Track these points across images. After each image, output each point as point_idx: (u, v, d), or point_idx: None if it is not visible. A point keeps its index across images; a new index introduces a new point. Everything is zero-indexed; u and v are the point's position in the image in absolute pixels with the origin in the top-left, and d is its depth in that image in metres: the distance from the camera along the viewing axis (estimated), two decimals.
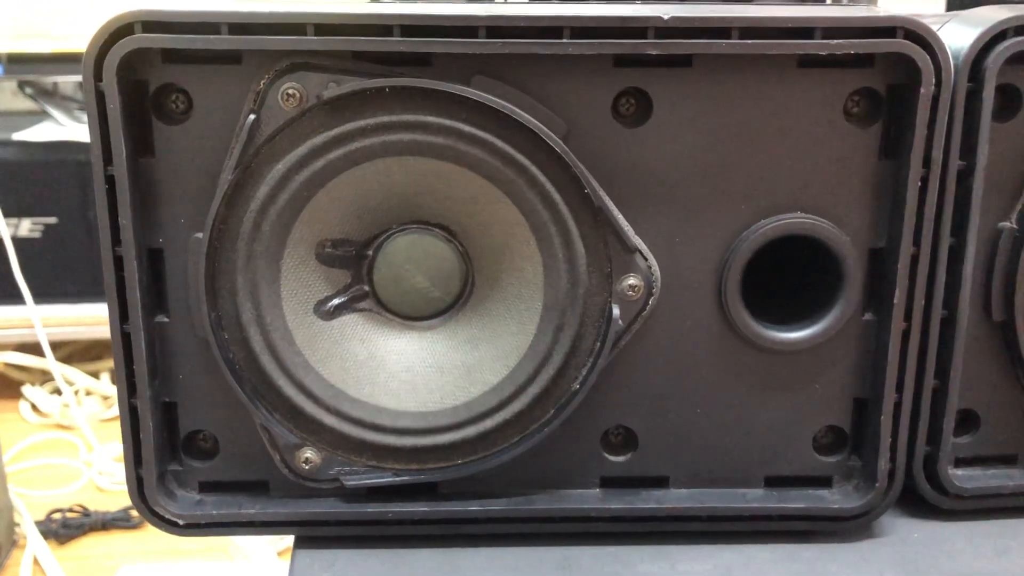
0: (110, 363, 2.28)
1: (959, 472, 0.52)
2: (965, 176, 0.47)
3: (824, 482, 0.50)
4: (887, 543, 0.50)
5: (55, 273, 2.10)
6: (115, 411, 2.12)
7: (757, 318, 0.48)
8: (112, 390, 2.18)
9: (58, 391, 2.08)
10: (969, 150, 0.46)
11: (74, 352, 2.29)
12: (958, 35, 0.46)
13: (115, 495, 1.76)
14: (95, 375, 2.21)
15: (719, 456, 0.50)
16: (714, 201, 0.47)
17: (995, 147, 0.48)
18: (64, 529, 1.66)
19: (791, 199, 0.47)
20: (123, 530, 1.68)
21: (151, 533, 1.68)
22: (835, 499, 0.49)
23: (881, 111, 0.45)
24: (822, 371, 0.49)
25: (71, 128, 2.13)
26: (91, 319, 2.08)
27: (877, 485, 0.48)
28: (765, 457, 0.50)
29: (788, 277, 0.51)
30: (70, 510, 1.71)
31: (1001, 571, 0.47)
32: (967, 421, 0.52)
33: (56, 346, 2.18)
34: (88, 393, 2.16)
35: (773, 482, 0.50)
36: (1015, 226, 0.48)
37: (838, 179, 0.46)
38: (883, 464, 0.48)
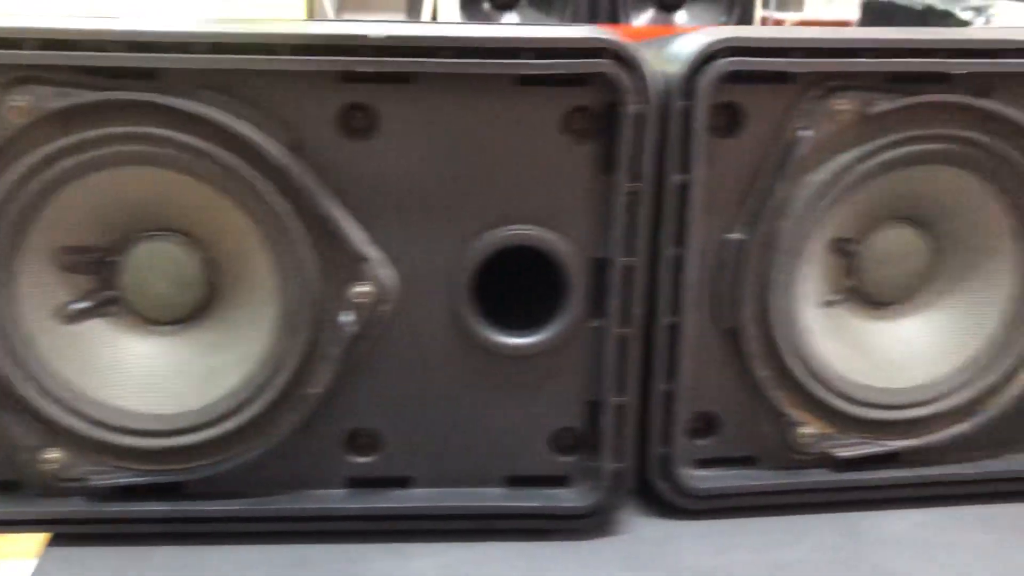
0: None
1: (698, 473, 0.54)
2: (686, 191, 0.49)
3: (561, 481, 0.52)
4: (619, 541, 0.52)
5: None
6: None
7: (495, 324, 0.50)
8: None
9: None
10: (688, 165, 0.48)
11: None
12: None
13: None
14: None
15: (461, 457, 0.52)
16: (445, 212, 0.48)
17: (721, 162, 0.50)
18: None
19: (518, 211, 0.48)
20: None
21: None
22: (569, 498, 0.52)
23: (596, 128, 0.47)
24: (554, 375, 0.51)
25: None
26: None
27: (605, 484, 0.51)
28: (504, 457, 0.52)
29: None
30: None
31: (715, 567, 0.50)
32: (707, 424, 0.54)
33: None
34: None
35: (513, 482, 0.52)
36: (741, 237, 0.51)
37: (561, 192, 0.48)
38: (608, 464, 0.50)
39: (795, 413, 0.53)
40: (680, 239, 0.49)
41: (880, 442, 0.54)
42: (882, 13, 1.97)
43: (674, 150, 0.48)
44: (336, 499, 0.51)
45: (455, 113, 0.47)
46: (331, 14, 2.76)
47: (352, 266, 0.48)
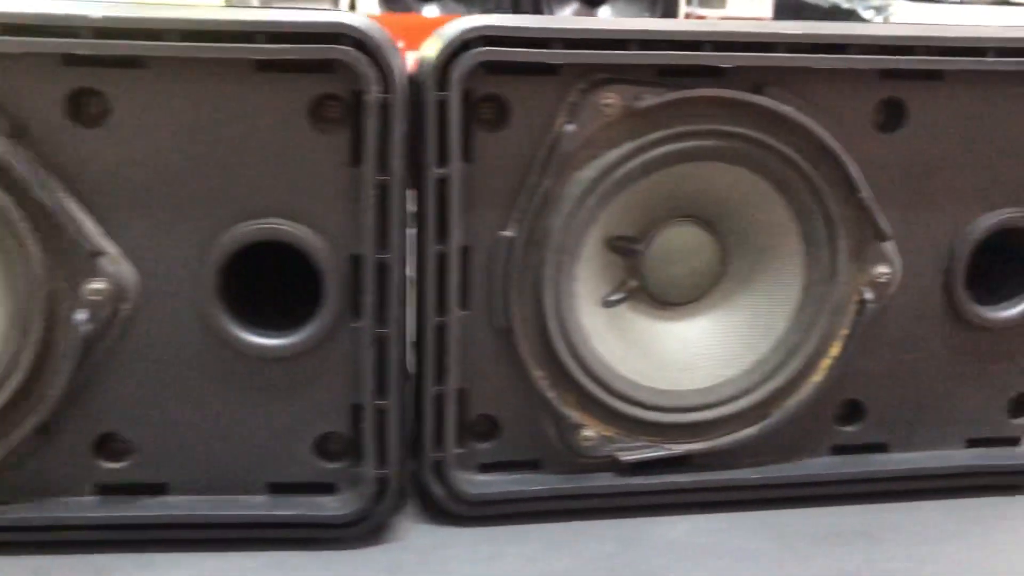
0: None
1: (478, 477, 0.52)
2: (445, 185, 0.47)
3: (328, 488, 0.50)
4: (386, 549, 0.50)
5: None
6: None
7: (251, 324, 0.48)
8: None
9: None
10: (446, 159, 0.46)
11: None
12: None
13: None
14: None
15: (221, 463, 0.49)
16: (188, 205, 0.46)
17: (490, 156, 0.48)
18: None
19: (268, 205, 0.46)
20: None
21: None
22: (333, 506, 0.49)
23: (347, 118, 0.45)
24: (316, 378, 0.48)
25: None
26: None
27: (369, 491, 0.49)
28: (268, 464, 0.49)
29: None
30: None
31: (480, 574, 0.48)
32: (489, 427, 0.52)
33: None
34: None
35: (277, 489, 0.50)
36: (512, 235, 0.49)
37: (313, 185, 0.46)
38: (370, 470, 0.48)
39: (576, 415, 0.52)
40: (442, 235, 0.47)
41: (666, 446, 0.53)
42: (792, 11, 1.98)
43: (432, 143, 0.46)
44: (83, 507, 0.48)
45: (191, 100, 0.44)
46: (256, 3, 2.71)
47: (86, 262, 0.45)
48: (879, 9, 1.60)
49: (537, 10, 2.23)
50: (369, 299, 0.46)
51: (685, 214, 0.52)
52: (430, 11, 2.29)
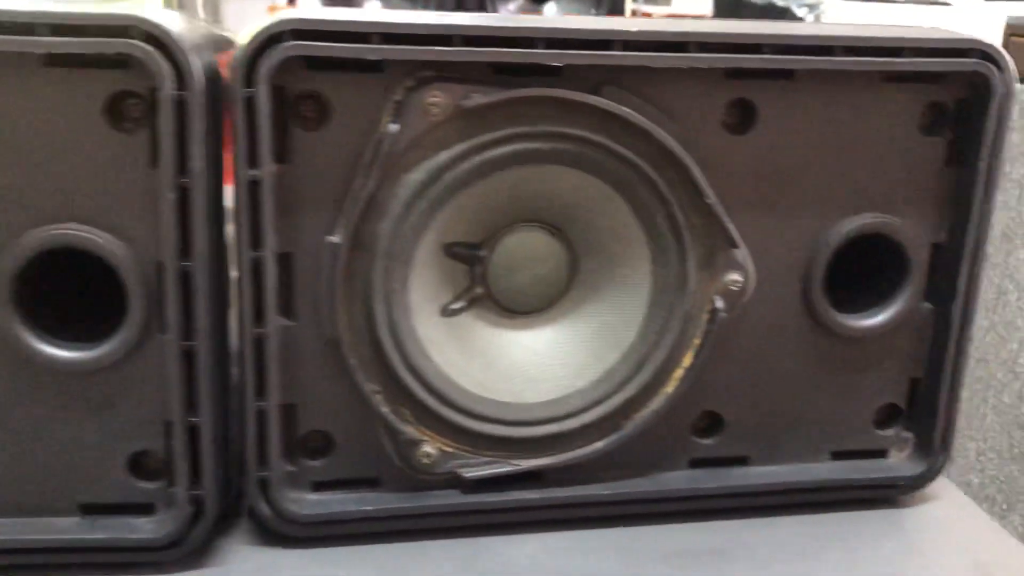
0: None
1: (310, 496, 0.49)
2: (256, 187, 0.44)
3: (146, 509, 0.47)
4: (208, 574, 0.47)
5: None
6: None
7: (49, 337, 0.45)
8: None
9: None
10: (256, 160, 0.44)
11: None
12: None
13: None
14: None
15: (28, 484, 0.46)
16: None
17: (312, 156, 0.45)
18: None
19: (67, 208, 0.43)
20: None
21: None
22: (147, 528, 0.46)
23: (149, 116, 0.42)
24: (126, 392, 0.45)
25: None
26: None
27: (184, 512, 0.46)
28: (79, 483, 0.46)
29: None
30: None
31: None
32: (322, 443, 0.50)
33: None
34: None
35: (89, 510, 0.47)
36: (336, 240, 0.46)
37: (114, 187, 0.43)
38: (183, 490, 0.45)
39: (414, 431, 0.49)
40: (257, 241, 0.45)
41: (512, 461, 0.51)
42: (730, 8, 1.97)
43: (241, 142, 0.43)
44: None
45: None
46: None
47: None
48: (812, 7, 1.59)
49: (481, 7, 2.21)
50: (172, 309, 0.43)
51: (530, 219, 0.50)
52: (372, 5, 2.26)
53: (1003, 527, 0.57)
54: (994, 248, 1.02)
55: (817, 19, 1.56)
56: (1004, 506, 1.04)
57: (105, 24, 0.40)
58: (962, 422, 1.05)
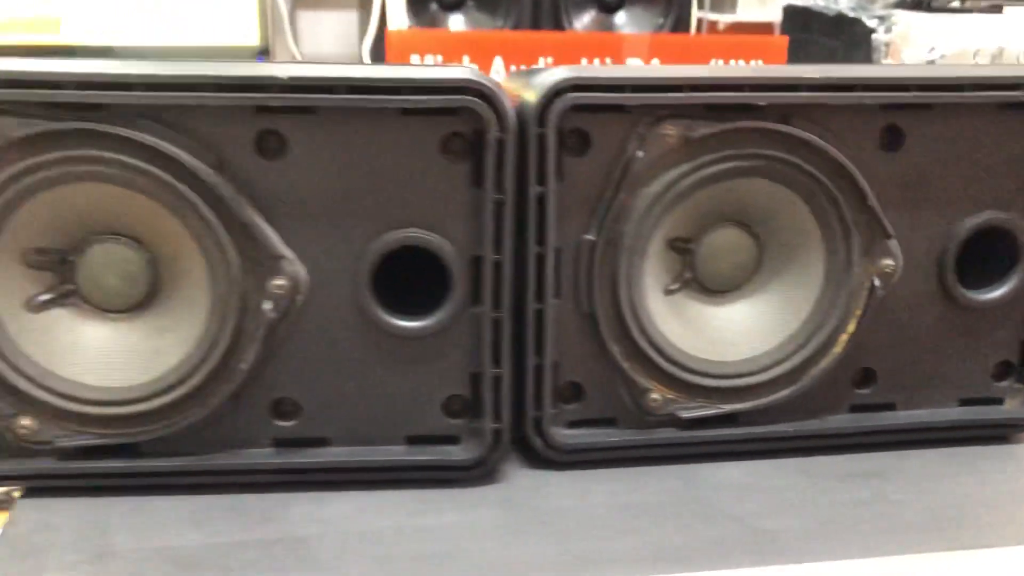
0: None
1: (567, 431, 0.65)
2: (543, 200, 0.60)
3: (453, 440, 0.63)
4: (499, 488, 0.63)
5: None
6: None
7: (394, 311, 0.61)
8: None
9: None
10: (544, 180, 0.60)
11: None
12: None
13: None
14: None
15: (369, 421, 0.62)
16: (348, 219, 0.59)
17: (575, 177, 0.61)
18: None
19: (409, 218, 0.59)
20: None
21: None
22: (458, 453, 0.63)
23: (470, 150, 0.59)
24: (444, 351, 0.62)
25: None
26: None
27: (486, 442, 0.62)
28: (405, 421, 0.63)
29: None
30: None
31: (574, 508, 0.61)
32: (574, 392, 0.65)
33: None
34: None
35: (413, 440, 0.63)
36: (592, 238, 0.62)
37: (443, 203, 0.59)
38: (488, 425, 0.62)
39: (644, 382, 0.65)
40: (541, 239, 0.61)
41: (716, 405, 0.66)
42: (800, 18, 2.11)
43: (533, 168, 0.59)
44: (264, 456, 0.62)
45: (353, 138, 0.58)
46: (284, 10, 2.85)
47: (271, 264, 0.58)
48: (882, 19, 1.73)
49: (557, 18, 2.35)
50: (488, 290, 0.60)
51: (729, 219, 0.65)
52: (455, 20, 2.42)
53: None
54: None
55: (888, 30, 1.69)
56: None
57: (448, 84, 0.56)
58: None
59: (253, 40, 2.56)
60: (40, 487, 0.61)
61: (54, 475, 0.60)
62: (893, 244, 0.65)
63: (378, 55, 2.13)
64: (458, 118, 0.58)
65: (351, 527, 0.59)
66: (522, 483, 0.64)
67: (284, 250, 0.58)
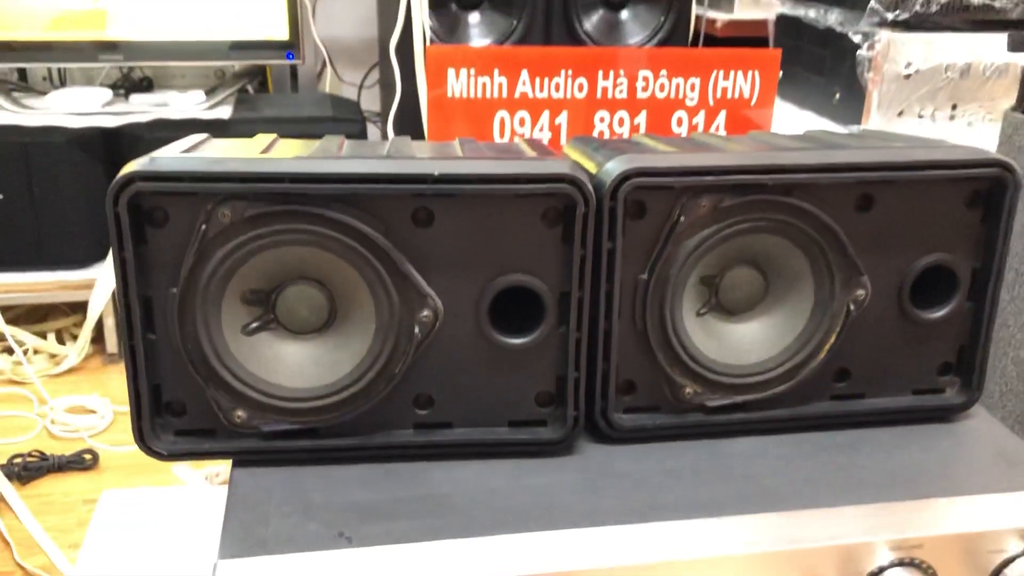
0: (55, 324, 2.56)
1: (624, 416, 0.89)
2: (613, 252, 0.83)
3: (543, 423, 0.87)
4: (576, 458, 0.87)
5: (3, 244, 2.37)
6: (63, 367, 2.41)
7: (504, 332, 0.84)
8: (58, 348, 2.47)
9: (9, 350, 2.35)
10: (614, 238, 0.82)
11: (19, 315, 2.55)
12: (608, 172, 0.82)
13: (67, 441, 2.05)
14: (42, 335, 2.48)
15: (483, 409, 0.86)
16: (474, 268, 0.82)
17: (635, 234, 0.84)
18: (25, 471, 1.95)
19: (517, 266, 0.82)
20: (78, 471, 1.98)
21: (102, 471, 1.99)
22: (547, 433, 0.86)
23: (562, 218, 0.81)
24: (538, 360, 0.85)
25: (14, 113, 2.37)
26: (35, 285, 2.35)
27: (568, 425, 0.86)
28: (509, 409, 0.86)
29: None
30: (29, 455, 2.00)
31: (632, 471, 0.85)
32: (629, 387, 0.89)
33: (4, 310, 2.46)
34: (36, 352, 2.43)
35: (514, 423, 0.87)
36: (645, 277, 0.85)
37: (542, 255, 0.82)
38: (569, 412, 0.85)
39: (681, 380, 0.89)
40: (610, 279, 0.84)
41: (733, 397, 0.90)
42: (792, 27, 2.31)
43: (605, 230, 0.82)
44: (408, 436, 0.85)
45: (481, 212, 0.80)
46: (308, 1, 3.03)
47: (420, 301, 0.81)
48: (866, 35, 1.95)
49: (567, 17, 2.55)
50: (572, 316, 0.83)
51: (745, 262, 0.89)
52: (473, 18, 2.61)
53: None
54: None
55: (871, 47, 1.91)
56: (1020, 433, 1.43)
57: (551, 176, 0.79)
58: (989, 372, 1.44)
59: (282, 35, 2.76)
60: (249, 460, 0.85)
61: (260, 451, 0.84)
62: (864, 279, 0.88)
63: (404, 54, 2.29)
64: (554, 197, 0.81)
65: (474, 486, 0.83)
66: (593, 455, 0.88)
67: (429, 290, 0.81)
